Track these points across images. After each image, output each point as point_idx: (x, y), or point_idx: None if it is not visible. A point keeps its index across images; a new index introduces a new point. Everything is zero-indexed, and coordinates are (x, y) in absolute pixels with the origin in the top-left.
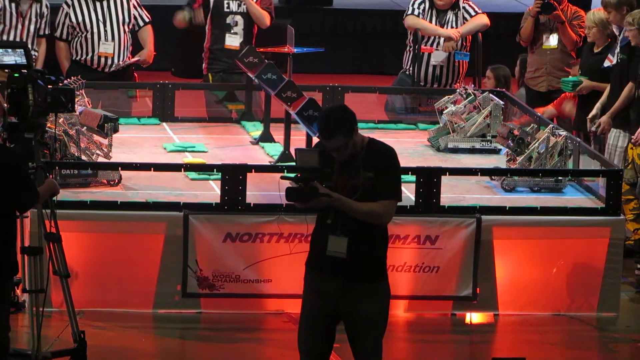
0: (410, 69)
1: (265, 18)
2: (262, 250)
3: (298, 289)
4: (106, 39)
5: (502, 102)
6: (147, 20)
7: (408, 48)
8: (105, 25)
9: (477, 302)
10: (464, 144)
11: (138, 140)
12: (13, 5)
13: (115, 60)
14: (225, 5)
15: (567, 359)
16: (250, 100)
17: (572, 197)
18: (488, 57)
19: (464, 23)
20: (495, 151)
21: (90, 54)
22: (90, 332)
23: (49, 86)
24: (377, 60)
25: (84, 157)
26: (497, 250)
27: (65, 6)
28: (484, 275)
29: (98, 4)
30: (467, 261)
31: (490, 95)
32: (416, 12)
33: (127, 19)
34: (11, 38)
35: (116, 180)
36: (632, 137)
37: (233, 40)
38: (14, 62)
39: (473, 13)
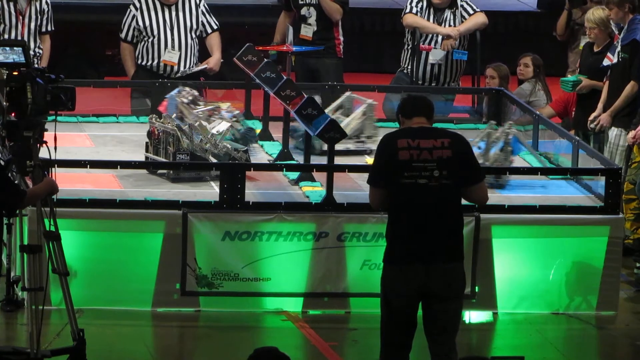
0: (408, 67)
1: (336, 12)
2: (261, 248)
3: (297, 288)
4: (172, 47)
5: (375, 102)
6: (215, 27)
7: (406, 46)
8: (172, 32)
9: (476, 301)
10: None
11: (137, 139)
12: (11, 4)
13: (182, 68)
14: None
15: (566, 358)
16: (249, 99)
17: (571, 195)
18: (485, 55)
19: (461, 21)
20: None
21: (156, 60)
22: (90, 330)
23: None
24: (376, 58)
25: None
26: (496, 248)
27: (132, 8)
28: (482, 274)
29: (166, 9)
30: (465, 260)
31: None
32: (414, 11)
33: (194, 26)
34: (12, 37)
35: None
36: (633, 134)
37: (307, 31)
38: (12, 61)
39: (471, 11)
